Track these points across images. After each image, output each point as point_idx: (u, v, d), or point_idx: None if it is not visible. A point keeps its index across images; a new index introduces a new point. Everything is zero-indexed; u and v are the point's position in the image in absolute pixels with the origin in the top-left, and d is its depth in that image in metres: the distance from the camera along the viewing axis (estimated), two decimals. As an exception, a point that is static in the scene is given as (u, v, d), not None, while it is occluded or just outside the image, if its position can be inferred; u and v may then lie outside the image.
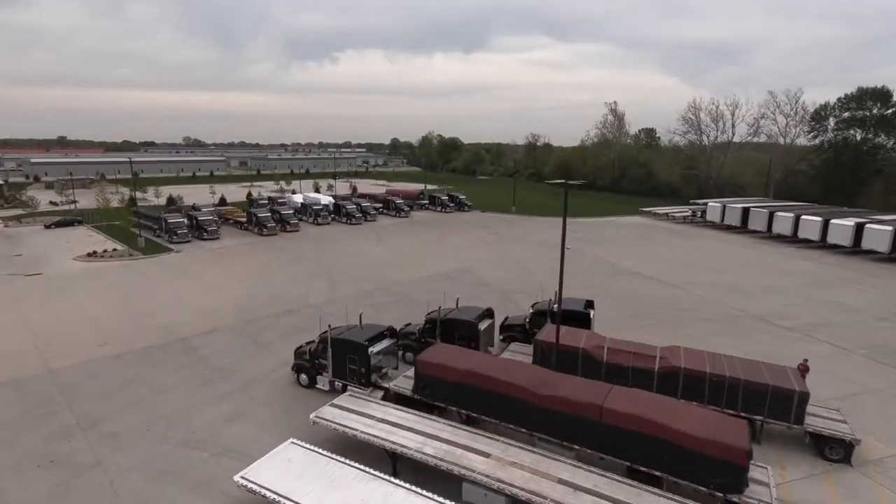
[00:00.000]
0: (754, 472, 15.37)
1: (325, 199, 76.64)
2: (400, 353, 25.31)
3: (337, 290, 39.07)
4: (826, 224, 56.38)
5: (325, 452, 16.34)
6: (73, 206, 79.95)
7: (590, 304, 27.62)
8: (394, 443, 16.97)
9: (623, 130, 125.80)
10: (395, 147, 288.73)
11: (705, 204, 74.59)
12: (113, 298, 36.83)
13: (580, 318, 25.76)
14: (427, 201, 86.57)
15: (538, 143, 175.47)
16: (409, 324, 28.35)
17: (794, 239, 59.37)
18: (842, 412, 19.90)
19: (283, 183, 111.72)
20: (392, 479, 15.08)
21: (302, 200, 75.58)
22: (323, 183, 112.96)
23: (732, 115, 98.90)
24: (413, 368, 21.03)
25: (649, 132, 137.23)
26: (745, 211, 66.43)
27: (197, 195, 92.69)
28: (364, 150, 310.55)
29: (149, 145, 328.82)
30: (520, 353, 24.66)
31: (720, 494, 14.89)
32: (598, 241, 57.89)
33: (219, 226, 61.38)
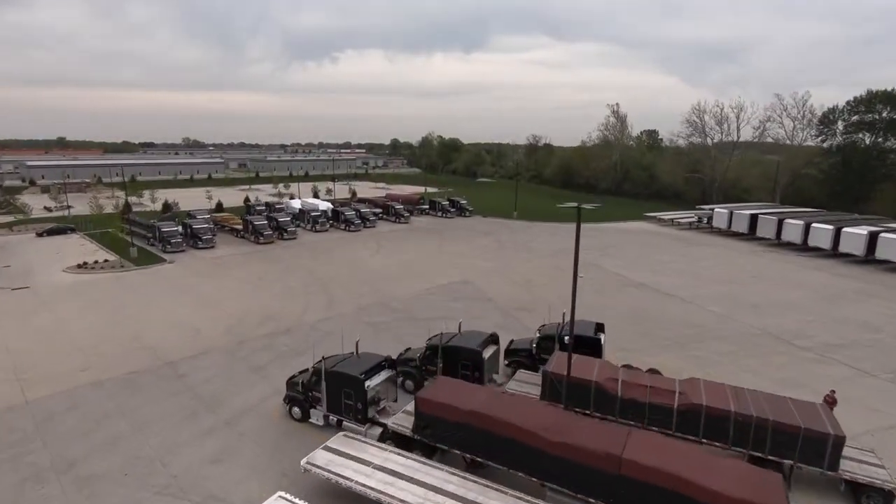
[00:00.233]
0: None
1: (324, 205, 75.19)
2: (399, 379, 23.86)
3: (334, 306, 37.50)
4: (838, 232, 54.83)
5: None
6: (66, 213, 78.48)
7: (600, 328, 26.02)
8: (392, 496, 15.42)
9: (626, 132, 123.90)
10: (395, 147, 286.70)
11: (711, 209, 72.84)
12: (99, 316, 35.24)
13: (591, 343, 24.22)
14: (427, 206, 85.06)
15: (539, 144, 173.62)
16: (409, 348, 26.84)
17: (804, 247, 57.82)
18: (877, 453, 18.38)
19: (281, 187, 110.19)
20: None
21: (300, 206, 74.14)
22: (322, 186, 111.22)
23: (737, 118, 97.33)
24: (413, 403, 19.52)
25: (651, 134, 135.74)
26: (753, 218, 64.64)
27: (194, 199, 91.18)
28: (364, 150, 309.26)
29: (148, 146, 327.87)
30: (526, 383, 23.18)
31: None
32: (602, 250, 56.26)
33: (214, 234, 59.80)
